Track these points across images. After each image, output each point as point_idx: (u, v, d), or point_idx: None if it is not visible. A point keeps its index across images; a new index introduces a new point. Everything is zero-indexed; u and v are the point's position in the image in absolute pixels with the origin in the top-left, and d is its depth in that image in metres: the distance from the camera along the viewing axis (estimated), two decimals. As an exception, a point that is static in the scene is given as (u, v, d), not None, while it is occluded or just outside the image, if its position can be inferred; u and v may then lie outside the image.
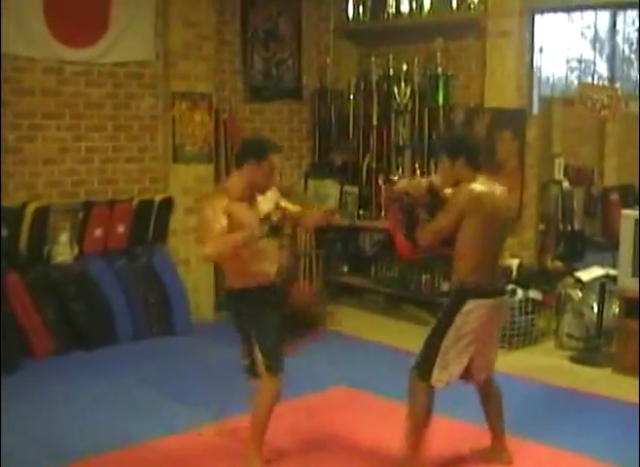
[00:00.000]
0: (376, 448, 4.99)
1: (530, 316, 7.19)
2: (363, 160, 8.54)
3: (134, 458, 4.85)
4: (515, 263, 7.41)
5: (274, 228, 4.23)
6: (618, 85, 7.97)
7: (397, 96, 8.24)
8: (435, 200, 4.61)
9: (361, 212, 8.47)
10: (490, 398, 4.72)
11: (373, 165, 8.48)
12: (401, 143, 8.28)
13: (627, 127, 7.62)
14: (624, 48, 8.57)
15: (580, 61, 8.39)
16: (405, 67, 8.27)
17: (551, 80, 8.42)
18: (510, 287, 7.07)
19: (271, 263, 4.55)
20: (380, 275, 8.23)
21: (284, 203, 4.70)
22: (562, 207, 8.18)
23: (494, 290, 4.51)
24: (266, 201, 4.54)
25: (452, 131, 7.64)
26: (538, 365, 6.77)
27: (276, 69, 8.73)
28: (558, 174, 8.04)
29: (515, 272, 7.30)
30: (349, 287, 8.67)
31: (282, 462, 4.78)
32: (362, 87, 8.63)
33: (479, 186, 4.39)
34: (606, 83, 8.16)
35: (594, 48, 8.36)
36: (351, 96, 8.68)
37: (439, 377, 4.41)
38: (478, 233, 4.34)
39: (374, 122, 8.47)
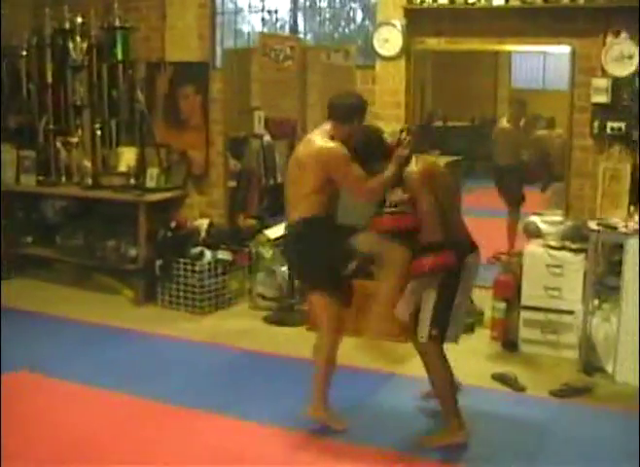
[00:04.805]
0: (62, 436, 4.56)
1: (221, 278, 6.94)
2: (39, 121, 7.88)
3: None
4: (204, 223, 7.14)
5: None
6: (301, 35, 7.80)
7: (72, 52, 7.66)
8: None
9: (41, 178, 7.83)
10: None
11: (51, 127, 7.87)
12: (79, 102, 7.72)
13: (329, 79, 7.51)
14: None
15: (269, 12, 8.16)
16: (80, 20, 7.69)
17: (241, 31, 8.16)
18: (197, 249, 6.81)
19: None
20: (66, 244, 7.63)
21: None
22: (264, 161, 7.94)
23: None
24: None
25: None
26: (231, 328, 6.54)
27: None
28: (258, 128, 7.80)
29: (204, 233, 7.02)
30: (35, 259, 8.03)
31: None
32: (36, 42, 7.93)
33: (419, 164, 4.43)
34: (299, 34, 7.96)
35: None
36: (24, 53, 7.94)
37: (453, 334, 4.53)
38: (447, 198, 4.44)
39: (50, 80, 7.82)
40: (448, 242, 4.35)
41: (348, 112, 4.51)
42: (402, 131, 4.56)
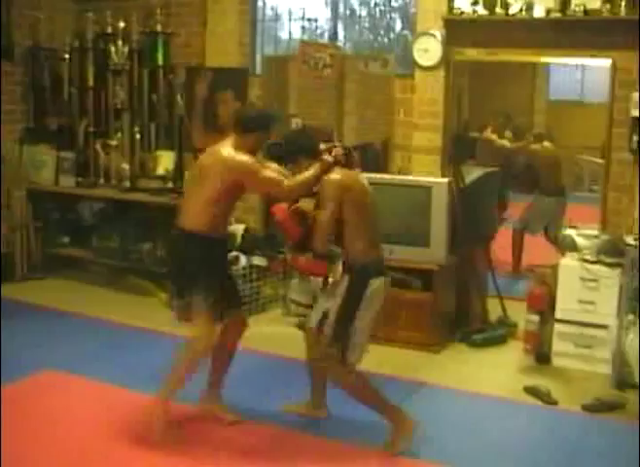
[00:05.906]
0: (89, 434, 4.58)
1: (255, 284, 6.97)
2: (80, 123, 7.99)
3: None
4: (240, 228, 7.17)
5: None
6: (340, 43, 7.84)
7: (114, 56, 7.75)
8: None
9: (79, 179, 7.92)
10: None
11: (91, 129, 7.97)
12: (119, 106, 7.82)
13: (366, 88, 7.55)
14: (355, 7, 8.46)
15: (310, 20, 8.21)
16: (122, 24, 7.79)
17: (280, 39, 8.21)
18: (233, 254, 6.85)
19: None
20: (102, 246, 7.72)
21: None
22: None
23: (384, 268, 4.56)
24: None
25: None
26: (264, 334, 6.52)
27: (-19, 26, 7.94)
28: (296, 135, 7.84)
29: (239, 239, 7.05)
30: (71, 259, 8.12)
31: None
32: (78, 45, 8.04)
33: (338, 174, 4.41)
34: (338, 43, 8.00)
35: (327, 6, 8.19)
36: (67, 56, 8.06)
37: (354, 356, 4.43)
38: (360, 215, 4.39)
39: (91, 83, 7.93)
40: (355, 261, 4.39)
41: (248, 123, 4.57)
42: (346, 148, 4.63)
